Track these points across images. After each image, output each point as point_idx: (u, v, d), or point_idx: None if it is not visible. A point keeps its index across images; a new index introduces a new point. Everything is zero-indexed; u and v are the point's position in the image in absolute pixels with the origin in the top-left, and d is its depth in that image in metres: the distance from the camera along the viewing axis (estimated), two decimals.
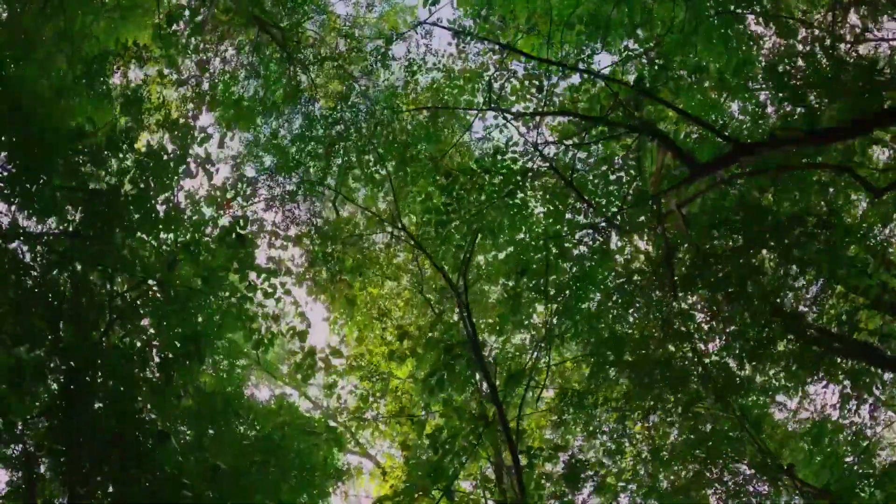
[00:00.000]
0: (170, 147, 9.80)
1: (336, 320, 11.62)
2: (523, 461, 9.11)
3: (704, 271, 9.21)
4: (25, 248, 10.16)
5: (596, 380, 11.20)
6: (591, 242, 8.83)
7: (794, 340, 11.46)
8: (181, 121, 9.13)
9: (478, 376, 10.56)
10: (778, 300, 10.98)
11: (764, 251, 10.62)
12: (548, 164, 8.50)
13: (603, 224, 8.55)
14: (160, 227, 9.48)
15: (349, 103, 10.92)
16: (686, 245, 9.20)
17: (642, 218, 8.90)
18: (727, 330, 10.82)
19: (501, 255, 12.14)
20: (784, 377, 12.03)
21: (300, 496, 9.57)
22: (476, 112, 9.30)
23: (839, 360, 11.30)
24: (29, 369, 9.32)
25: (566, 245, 9.20)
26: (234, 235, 8.76)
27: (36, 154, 9.70)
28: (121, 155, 10.26)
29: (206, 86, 11.21)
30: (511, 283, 9.89)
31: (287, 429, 10.03)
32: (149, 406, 8.47)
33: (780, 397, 13.99)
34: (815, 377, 11.63)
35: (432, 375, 9.19)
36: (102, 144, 10.32)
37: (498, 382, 9.68)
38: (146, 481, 8.55)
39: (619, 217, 8.33)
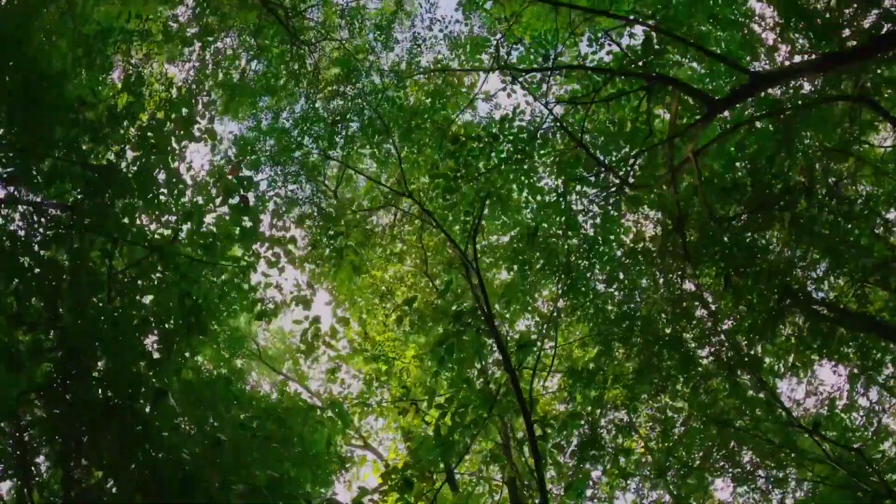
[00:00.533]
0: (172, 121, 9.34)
1: (340, 297, 11.01)
2: (536, 432, 8.50)
3: (716, 237, 8.74)
4: (22, 223, 9.66)
5: (604, 359, 10.68)
6: (602, 202, 8.34)
7: (804, 317, 10.99)
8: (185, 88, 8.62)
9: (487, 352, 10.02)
10: (788, 278, 10.54)
11: (773, 225, 10.21)
12: (558, 124, 8.05)
13: (615, 184, 8.07)
14: (161, 195, 8.96)
15: (353, 79, 10.49)
16: (698, 208, 8.73)
17: (651, 181, 8.41)
18: (737, 307, 10.35)
19: (506, 238, 11.69)
20: (793, 356, 11.54)
21: (303, 475, 8.90)
22: (485, 72, 8.86)
23: (849, 334, 10.84)
24: (27, 352, 8.72)
25: (577, 206, 8.69)
26: (237, 199, 8.21)
27: (37, 124, 9.25)
28: (121, 130, 9.82)
29: (209, 66, 10.78)
30: (519, 263, 9.34)
31: (290, 412, 9.43)
32: (148, 376, 7.82)
33: (786, 386, 13.55)
34: (825, 354, 11.15)
35: (441, 344, 8.60)
36: (103, 119, 9.86)
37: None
38: (143, 453, 7.91)
39: (632, 169, 7.83)
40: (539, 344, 10.17)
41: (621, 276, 11.02)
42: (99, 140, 9.87)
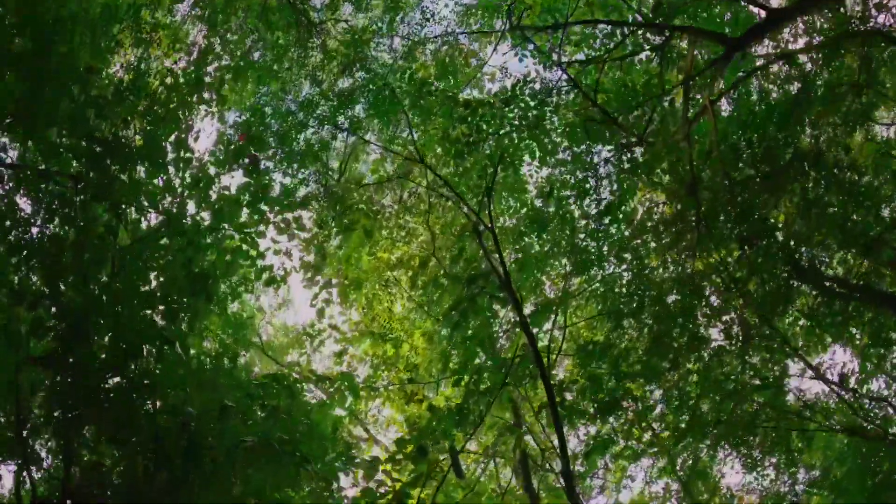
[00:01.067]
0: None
1: (349, 272, 10.53)
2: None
3: (731, 199, 8.44)
4: (26, 195, 9.28)
5: (616, 334, 10.31)
6: (616, 162, 8.04)
7: (815, 294, 10.68)
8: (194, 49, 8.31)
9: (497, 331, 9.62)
10: (797, 255, 10.26)
11: (783, 195, 9.95)
12: (571, 84, 7.79)
13: (630, 142, 7.78)
14: (168, 165, 8.60)
15: (361, 55, 10.25)
16: (710, 175, 8.45)
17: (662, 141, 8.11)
18: (749, 280, 10.02)
19: (511, 222, 11.36)
20: (803, 334, 11.21)
21: (309, 448, 8.37)
22: (497, 35, 8.62)
23: (861, 310, 10.52)
24: (28, 329, 8.25)
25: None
26: (247, 159, 7.84)
27: (44, 93, 8.92)
28: (126, 103, 9.50)
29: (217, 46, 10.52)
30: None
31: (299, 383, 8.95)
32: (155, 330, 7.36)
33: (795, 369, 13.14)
34: (836, 334, 10.82)
35: (455, 309, 8.19)
36: (109, 95, 9.55)
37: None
38: (147, 418, 7.44)
39: (646, 128, 7.54)
40: (553, 318, 9.77)
41: (629, 256, 10.73)
42: (104, 116, 9.55)
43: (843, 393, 9.13)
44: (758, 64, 8.96)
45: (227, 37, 11.23)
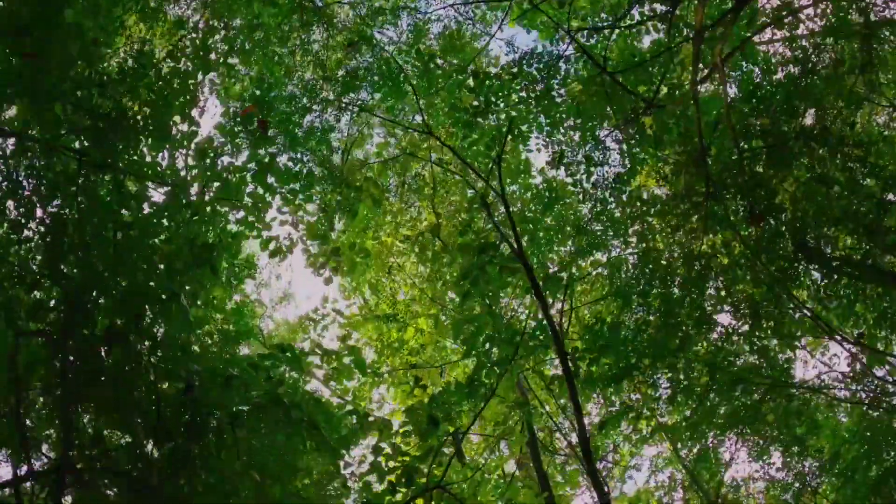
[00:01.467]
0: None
1: (354, 249, 10.22)
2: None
3: (740, 166, 8.28)
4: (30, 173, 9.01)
5: (625, 313, 10.08)
6: (627, 128, 7.88)
7: (821, 275, 10.50)
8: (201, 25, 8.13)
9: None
10: (803, 234, 10.10)
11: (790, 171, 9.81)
12: (580, 52, 7.65)
13: (640, 107, 7.63)
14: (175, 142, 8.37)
15: (365, 35, 10.10)
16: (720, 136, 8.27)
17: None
18: (758, 258, 9.82)
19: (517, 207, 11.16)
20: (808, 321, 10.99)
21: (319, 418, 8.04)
22: (506, 4, 8.48)
23: (867, 289, 10.34)
24: (28, 311, 7.96)
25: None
26: (255, 125, 7.62)
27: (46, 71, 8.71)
28: (128, 80, 9.29)
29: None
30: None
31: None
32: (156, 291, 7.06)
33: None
34: (843, 315, 10.62)
35: (465, 278, 7.95)
36: (113, 74, 9.35)
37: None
38: (146, 384, 7.13)
39: (656, 93, 7.38)
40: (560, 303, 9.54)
41: (634, 240, 10.54)
42: (107, 95, 9.35)
43: (859, 354, 8.85)
44: (763, 40, 8.86)
45: (232, 23, 11.07)
